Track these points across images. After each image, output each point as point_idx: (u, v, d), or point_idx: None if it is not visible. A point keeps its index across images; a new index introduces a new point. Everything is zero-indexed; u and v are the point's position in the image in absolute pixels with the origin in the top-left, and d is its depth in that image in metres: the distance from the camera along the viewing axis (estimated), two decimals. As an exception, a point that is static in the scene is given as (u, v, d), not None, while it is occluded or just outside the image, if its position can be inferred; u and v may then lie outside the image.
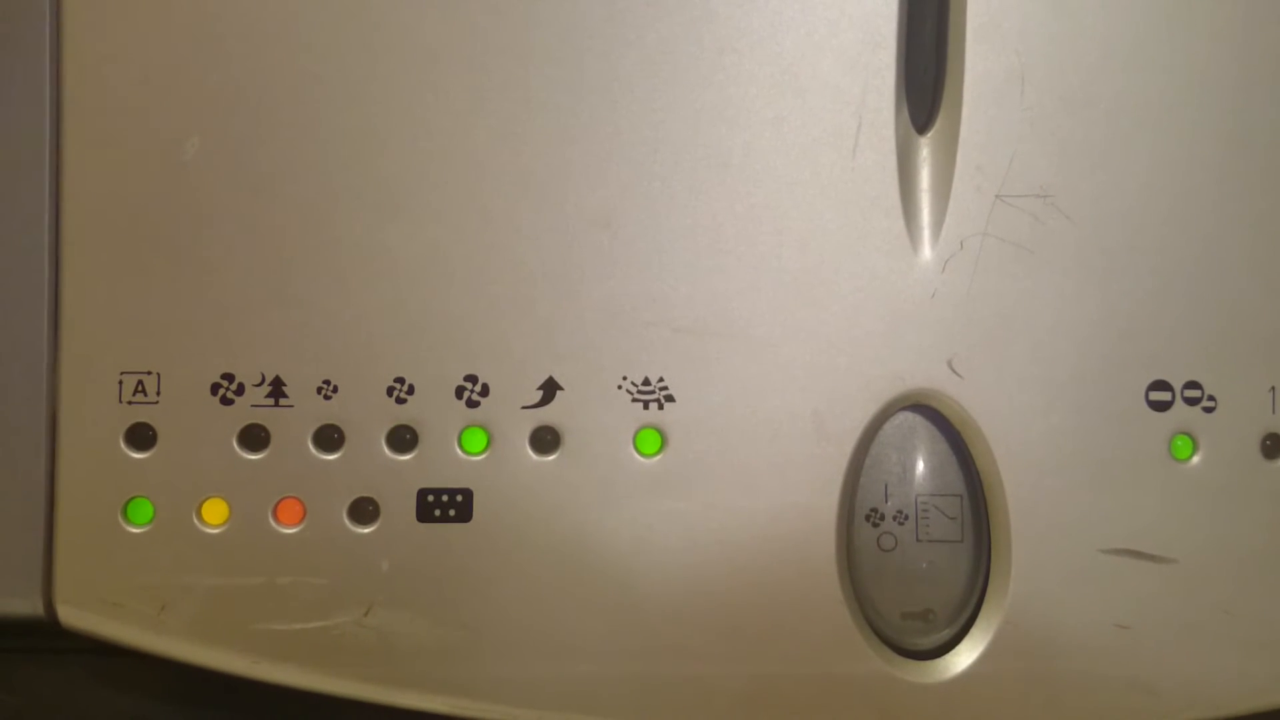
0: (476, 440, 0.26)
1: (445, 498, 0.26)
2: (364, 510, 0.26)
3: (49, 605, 0.25)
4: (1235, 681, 0.27)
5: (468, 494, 0.26)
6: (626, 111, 0.26)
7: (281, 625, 0.25)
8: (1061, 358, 0.26)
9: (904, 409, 0.27)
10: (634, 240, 0.26)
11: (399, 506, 0.26)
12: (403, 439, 0.26)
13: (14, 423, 0.25)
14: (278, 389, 0.26)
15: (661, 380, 0.26)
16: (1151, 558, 0.27)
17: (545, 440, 0.26)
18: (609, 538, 0.26)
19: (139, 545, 0.25)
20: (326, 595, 0.25)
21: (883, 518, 0.27)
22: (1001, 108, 0.26)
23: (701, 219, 0.26)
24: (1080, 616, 0.26)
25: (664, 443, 0.26)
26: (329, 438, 0.26)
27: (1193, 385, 0.27)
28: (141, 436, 0.25)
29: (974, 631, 0.27)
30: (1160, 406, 0.27)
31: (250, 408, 0.26)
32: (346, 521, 0.26)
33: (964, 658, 0.26)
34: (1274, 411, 0.27)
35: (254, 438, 0.26)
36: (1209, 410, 0.27)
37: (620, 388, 0.26)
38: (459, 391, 0.26)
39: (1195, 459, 0.27)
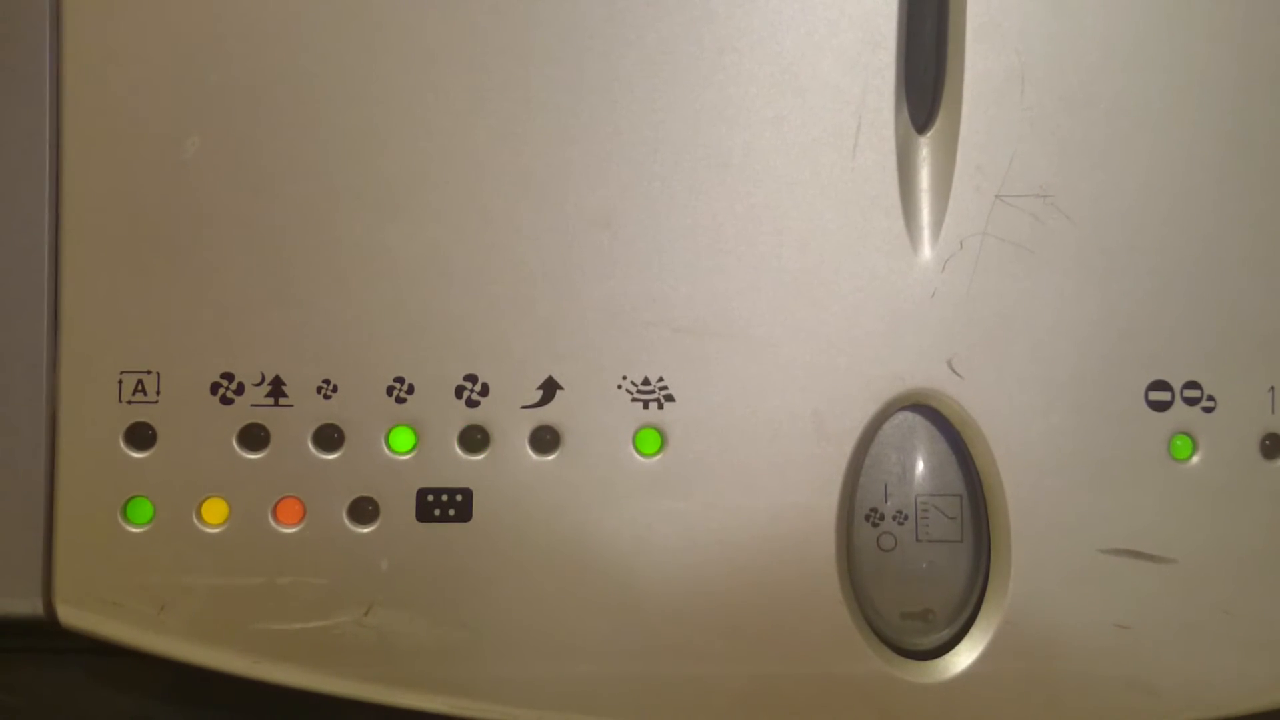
0: (404, 439, 0.26)
1: (445, 497, 0.26)
2: (364, 510, 0.26)
3: (49, 605, 0.25)
4: (1235, 681, 0.27)
5: (467, 494, 0.26)
6: (626, 111, 0.26)
7: (281, 625, 0.25)
8: (1061, 358, 0.26)
9: (904, 409, 0.27)
10: (634, 240, 0.26)
11: (399, 506, 0.26)
12: (401, 439, 0.26)
13: (14, 423, 0.25)
14: (277, 388, 0.26)
15: (661, 380, 0.26)
16: (1151, 558, 0.27)
17: (545, 440, 0.26)
18: (609, 538, 0.26)
19: (139, 545, 0.25)
20: (326, 595, 0.25)
21: (882, 518, 0.27)
22: (1001, 107, 0.26)
23: (701, 219, 0.26)
24: (1080, 616, 0.26)
25: (664, 442, 0.26)
26: (329, 437, 0.26)
27: (1192, 385, 0.27)
28: (141, 436, 0.25)
29: (973, 631, 0.27)
30: (1160, 406, 0.27)
31: (250, 407, 0.26)
32: (346, 521, 0.26)
33: (964, 658, 0.26)
34: (1273, 411, 0.27)
35: (254, 437, 0.26)
36: (1208, 410, 0.27)
37: (620, 387, 0.26)
38: (459, 391, 0.26)
39: (1195, 459, 0.27)
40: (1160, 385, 0.27)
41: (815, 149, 0.26)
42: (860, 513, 0.27)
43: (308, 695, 0.25)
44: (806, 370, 0.26)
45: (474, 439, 0.26)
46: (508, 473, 0.26)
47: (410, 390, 0.26)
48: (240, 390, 0.26)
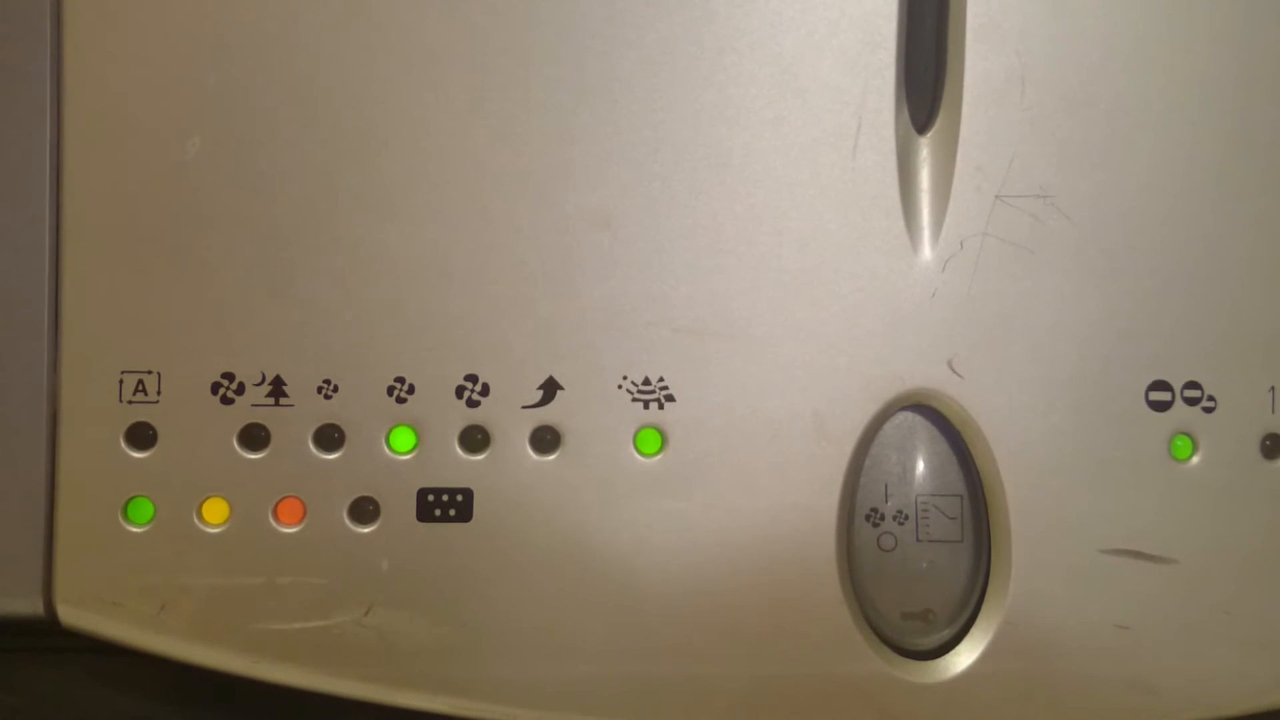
0: (405, 439, 0.26)
1: (445, 497, 0.26)
2: (364, 510, 0.26)
3: (49, 605, 0.25)
4: (1235, 681, 0.27)
5: (468, 494, 0.26)
6: (627, 111, 0.26)
7: (281, 625, 0.25)
8: (1061, 358, 0.26)
9: (904, 409, 0.27)
10: (634, 240, 0.26)
11: (399, 506, 0.26)
12: (402, 439, 0.26)
13: (14, 423, 0.25)
14: (278, 388, 0.26)
15: (662, 380, 0.26)
16: (1151, 558, 0.26)
17: (545, 440, 0.26)
18: (609, 538, 0.26)
19: (139, 545, 0.25)
20: (326, 595, 0.25)
21: (883, 518, 0.27)
22: (1001, 108, 0.26)
23: (702, 219, 0.26)
24: (1080, 617, 0.26)
25: (664, 443, 0.26)
26: (329, 437, 0.26)
27: (1192, 385, 0.27)
28: (142, 436, 0.25)
29: (974, 632, 0.27)
30: (1160, 406, 0.27)
31: (250, 407, 0.26)
32: (347, 521, 0.26)
33: (964, 658, 0.26)
34: (1274, 411, 0.27)
35: (254, 437, 0.26)
36: (1209, 410, 0.27)
37: (620, 387, 0.26)
38: (459, 391, 0.26)
39: (1195, 459, 0.27)
40: (1160, 385, 0.27)
41: (815, 149, 0.26)
42: (861, 513, 0.27)
43: (308, 695, 0.25)
44: (807, 370, 0.26)
45: (474, 439, 0.26)
46: (508, 473, 0.26)
47: (411, 390, 0.26)
48: (241, 390, 0.26)
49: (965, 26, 0.26)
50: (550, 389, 0.26)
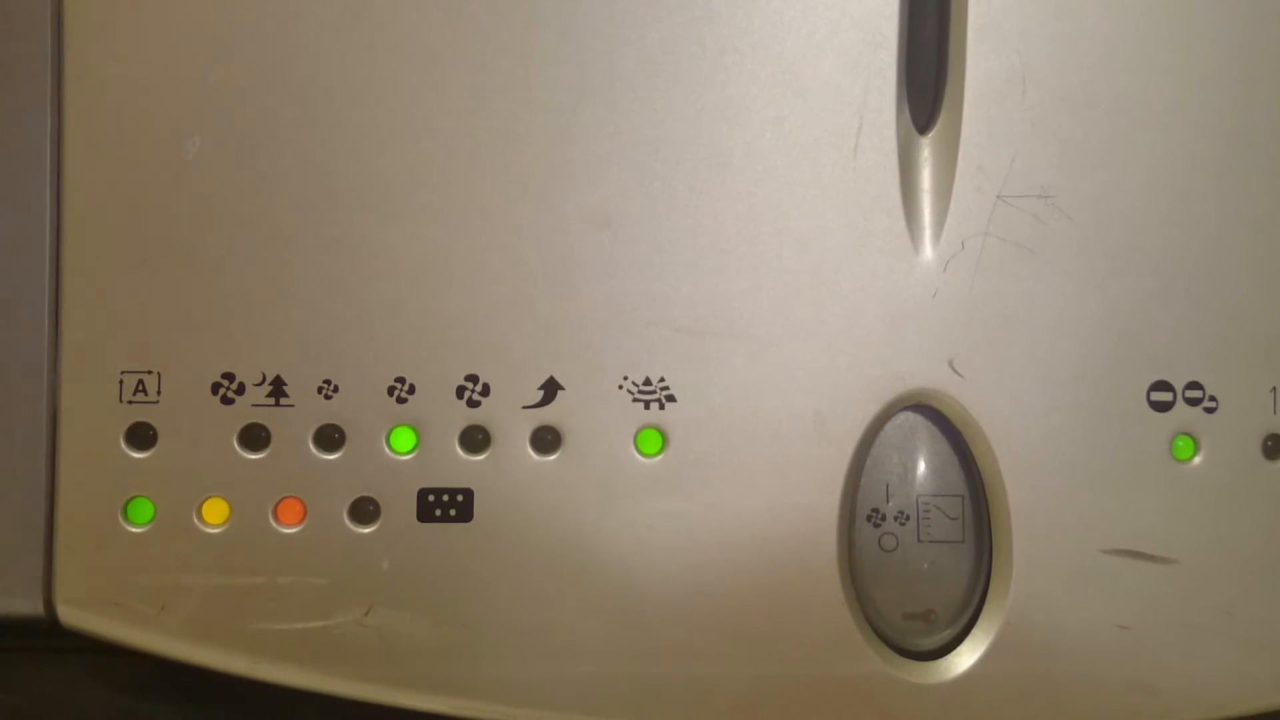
0: (405, 439, 0.26)
1: (446, 497, 0.26)
2: (364, 510, 0.26)
3: (49, 605, 0.25)
4: (1236, 682, 0.27)
5: (468, 494, 0.26)
6: (627, 111, 0.26)
7: (281, 625, 0.25)
8: (1063, 358, 0.26)
9: (905, 409, 0.27)
10: (635, 240, 0.26)
11: (400, 506, 0.26)
12: (402, 439, 0.26)
13: (14, 423, 0.25)
14: (278, 388, 0.26)
15: (662, 380, 0.26)
16: (1152, 558, 0.26)
17: (546, 440, 0.26)
18: (609, 538, 0.26)
19: (139, 545, 0.25)
20: (326, 595, 0.25)
21: (884, 518, 0.27)
22: (1002, 108, 0.26)
23: (702, 219, 0.26)
24: (1081, 617, 0.26)
25: (665, 443, 0.26)
26: (330, 437, 0.26)
27: (1194, 386, 0.27)
28: (142, 436, 0.25)
29: (975, 632, 0.27)
30: (1161, 407, 0.27)
31: (251, 407, 0.26)
32: (347, 521, 0.26)
33: (965, 658, 0.26)
34: (1275, 412, 0.27)
35: (254, 437, 0.26)
36: (1210, 411, 0.27)
37: (621, 388, 0.26)
38: (460, 391, 0.26)
39: (1196, 459, 0.27)
40: (1162, 385, 0.27)
41: (816, 149, 0.26)
42: (862, 513, 0.27)
43: (308, 695, 0.25)
44: (808, 370, 0.26)
45: (475, 439, 0.26)
46: (509, 473, 0.26)
47: (411, 390, 0.26)
48: (241, 390, 0.26)
49: (966, 26, 0.26)
50: (551, 389, 0.26)
